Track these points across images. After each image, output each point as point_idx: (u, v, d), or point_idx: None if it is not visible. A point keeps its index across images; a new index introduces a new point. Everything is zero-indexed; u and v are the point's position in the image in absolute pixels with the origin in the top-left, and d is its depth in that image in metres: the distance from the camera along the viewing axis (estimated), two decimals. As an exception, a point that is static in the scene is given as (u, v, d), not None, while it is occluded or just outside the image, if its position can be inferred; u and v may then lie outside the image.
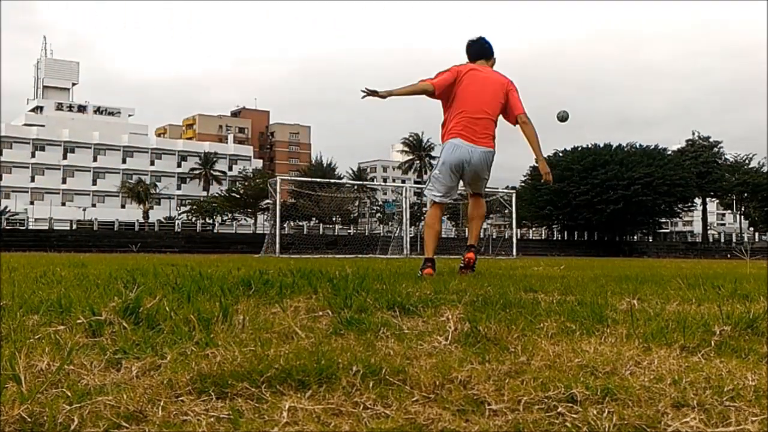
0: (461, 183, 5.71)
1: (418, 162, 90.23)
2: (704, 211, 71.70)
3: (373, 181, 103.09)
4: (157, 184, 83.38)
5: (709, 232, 73.28)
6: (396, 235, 30.52)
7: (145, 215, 73.44)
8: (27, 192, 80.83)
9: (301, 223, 58.37)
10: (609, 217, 57.67)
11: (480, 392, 1.26)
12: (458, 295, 2.95)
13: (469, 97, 5.41)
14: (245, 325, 1.97)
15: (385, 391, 1.26)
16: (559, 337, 1.90)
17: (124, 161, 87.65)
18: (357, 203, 70.96)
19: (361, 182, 70.49)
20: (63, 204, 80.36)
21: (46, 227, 47.59)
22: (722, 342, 1.78)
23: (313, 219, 60.65)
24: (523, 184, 64.07)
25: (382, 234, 38.91)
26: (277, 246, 23.55)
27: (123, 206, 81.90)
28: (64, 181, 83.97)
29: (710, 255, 42.83)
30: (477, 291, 3.19)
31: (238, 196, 69.68)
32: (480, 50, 5.70)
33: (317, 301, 2.62)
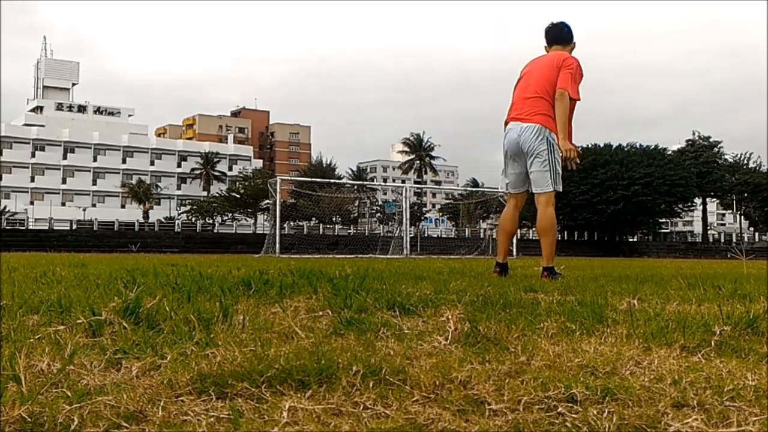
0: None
1: (418, 162, 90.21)
2: (704, 211, 71.70)
3: (373, 181, 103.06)
4: (158, 184, 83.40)
5: (709, 232, 73.28)
6: (396, 235, 30.51)
7: (145, 215, 73.48)
8: (27, 192, 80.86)
9: (301, 224, 58.38)
10: (609, 217, 57.62)
11: (480, 392, 1.26)
12: (458, 295, 2.96)
13: (520, 84, 5.37)
14: (245, 325, 1.97)
15: (385, 391, 1.25)
16: (559, 337, 1.90)
17: (124, 161, 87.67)
18: (357, 203, 70.93)
19: (361, 182, 70.46)
20: (63, 204, 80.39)
21: (46, 227, 47.60)
22: (722, 342, 1.78)
23: (313, 219, 60.65)
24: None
25: (382, 234, 38.92)
26: (277, 246, 23.54)
27: (123, 206, 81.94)
28: (64, 181, 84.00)
29: (710, 255, 42.80)
30: (477, 291, 3.19)
31: (238, 196, 69.65)
32: (556, 35, 5.46)
33: (317, 301, 2.62)
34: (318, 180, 46.12)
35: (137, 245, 25.57)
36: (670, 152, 64.02)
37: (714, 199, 73.96)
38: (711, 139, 67.50)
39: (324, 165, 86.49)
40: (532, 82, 5.24)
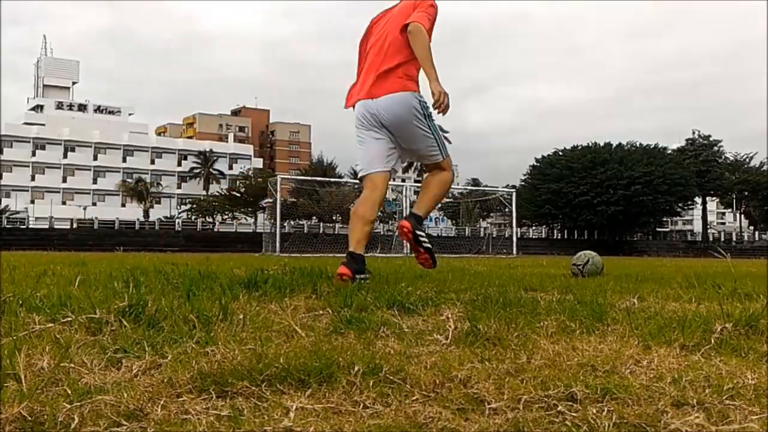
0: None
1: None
2: (704, 209, 71.70)
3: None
4: (160, 183, 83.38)
5: (709, 230, 73.27)
6: (396, 234, 30.49)
7: (146, 214, 73.48)
8: (27, 191, 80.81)
9: (301, 222, 58.36)
10: (609, 219, 57.54)
11: (480, 391, 1.26)
12: (458, 294, 2.96)
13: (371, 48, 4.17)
14: (245, 324, 1.97)
15: (385, 390, 1.26)
16: (558, 336, 1.90)
17: (124, 160, 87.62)
18: (357, 202, 70.67)
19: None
20: (63, 203, 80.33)
21: (47, 226, 47.56)
22: (722, 341, 1.78)
23: (314, 218, 60.65)
24: (523, 183, 64.11)
25: (382, 233, 38.89)
26: (278, 245, 23.56)
27: (123, 205, 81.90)
28: (64, 180, 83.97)
29: (709, 254, 42.80)
30: (477, 290, 3.19)
31: (238, 195, 69.64)
32: None
33: (317, 300, 2.62)
34: (318, 179, 46.13)
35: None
36: (670, 151, 64.05)
37: (714, 198, 74.00)
38: (711, 138, 67.57)
39: (324, 164, 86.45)
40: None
